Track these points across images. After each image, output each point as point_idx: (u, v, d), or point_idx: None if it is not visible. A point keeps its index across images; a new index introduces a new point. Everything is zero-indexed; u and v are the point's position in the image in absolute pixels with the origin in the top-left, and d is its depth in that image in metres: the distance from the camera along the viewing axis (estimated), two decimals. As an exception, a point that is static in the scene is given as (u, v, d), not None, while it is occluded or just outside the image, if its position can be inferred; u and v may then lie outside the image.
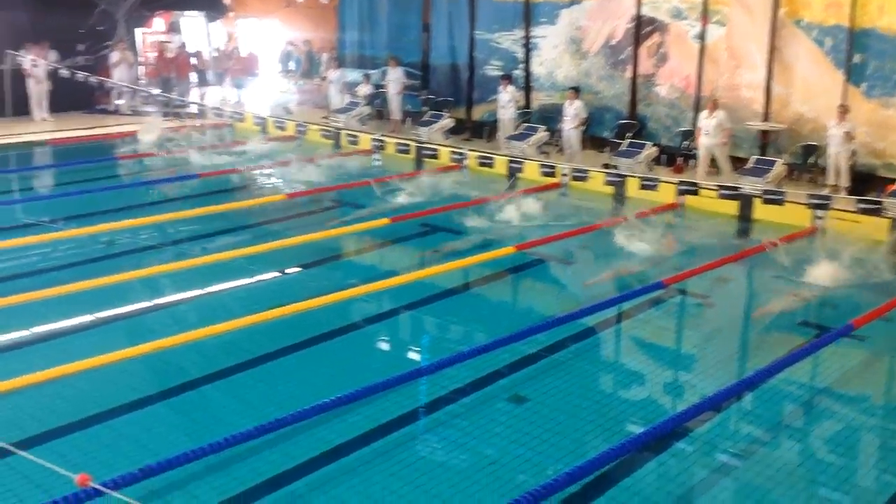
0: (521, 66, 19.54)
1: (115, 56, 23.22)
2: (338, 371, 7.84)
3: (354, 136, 19.22)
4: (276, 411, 6.61)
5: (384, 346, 8.80)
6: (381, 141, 18.52)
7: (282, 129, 20.72)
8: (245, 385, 7.49)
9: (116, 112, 23.45)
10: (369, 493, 5.80)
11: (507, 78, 18.69)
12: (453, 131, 19.68)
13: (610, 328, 9.44)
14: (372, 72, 22.20)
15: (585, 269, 11.53)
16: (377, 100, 21.50)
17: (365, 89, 21.24)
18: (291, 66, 27.37)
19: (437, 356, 7.96)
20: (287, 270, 10.87)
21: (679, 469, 6.38)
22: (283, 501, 5.74)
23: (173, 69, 24.59)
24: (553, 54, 19.15)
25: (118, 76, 23.06)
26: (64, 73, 21.35)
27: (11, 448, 5.84)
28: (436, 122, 19.29)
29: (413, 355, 8.61)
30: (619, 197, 14.63)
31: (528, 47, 19.49)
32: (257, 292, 10.04)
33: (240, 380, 7.56)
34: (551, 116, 18.56)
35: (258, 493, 5.78)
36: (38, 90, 21.38)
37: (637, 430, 6.78)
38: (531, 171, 15.58)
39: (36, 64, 21.22)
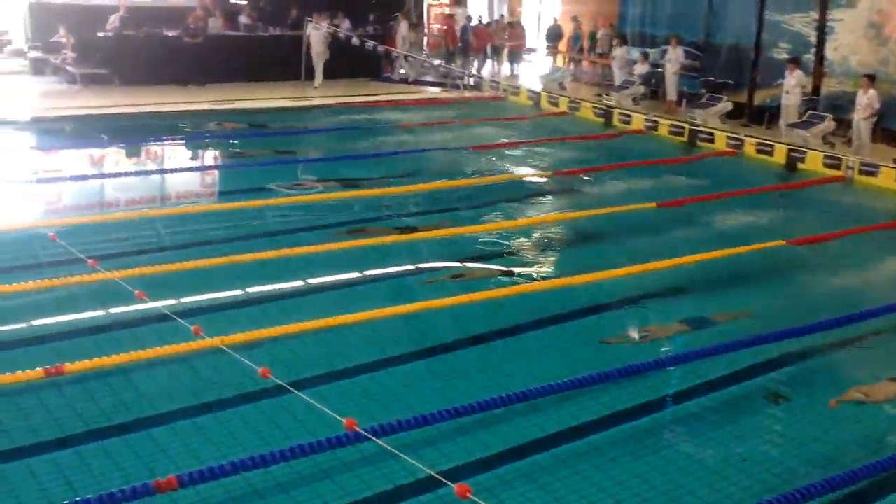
0: (812, 50, 18.47)
1: (402, 27, 24.23)
2: (592, 350, 7.85)
3: (627, 116, 19.01)
4: (528, 381, 6.76)
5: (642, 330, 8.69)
6: (654, 122, 18.21)
7: (555, 104, 20.86)
8: (500, 354, 7.66)
9: (400, 81, 24.50)
10: (613, 474, 5.79)
11: (796, 62, 17.71)
12: (730, 115, 18.99)
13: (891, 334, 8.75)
14: (651, 50, 21.80)
15: (864, 269, 10.77)
16: (653, 79, 21.12)
17: (642, 68, 20.92)
18: (563, 43, 27.38)
19: (696, 345, 7.79)
20: (548, 247, 10.97)
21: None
22: (526, 470, 5.84)
23: (457, 41, 25.32)
24: (849, 39, 17.92)
25: (403, 46, 24.06)
26: (355, 41, 22.59)
27: (288, 387, 6.33)
28: (713, 104, 18.69)
29: (670, 342, 8.43)
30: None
31: (822, 30, 18.38)
32: (519, 265, 10.20)
33: (496, 348, 7.74)
34: (840, 105, 17.42)
35: (502, 460, 5.92)
36: (318, 57, 22.50)
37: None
38: (813, 162, 14.76)
39: (338, 29, 22.51)
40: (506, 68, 25.97)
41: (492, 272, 9.63)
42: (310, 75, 22.44)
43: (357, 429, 5.68)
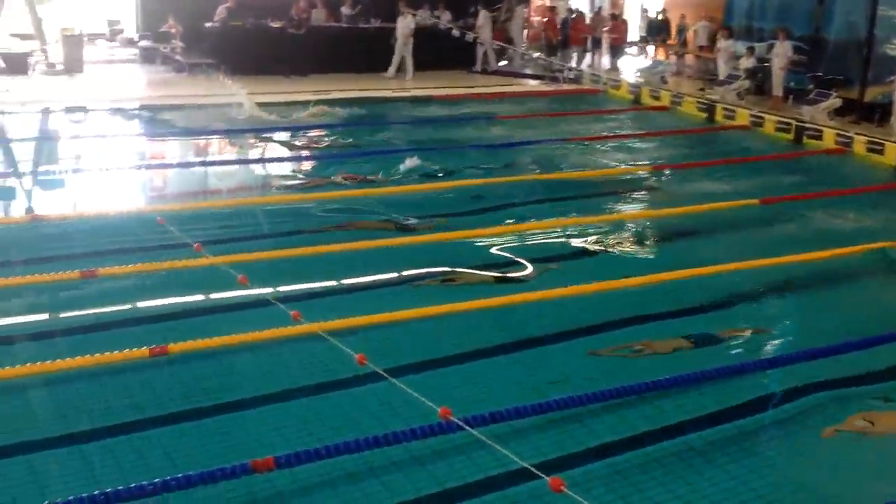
0: (928, 45, 17.77)
1: (480, 17, 24.12)
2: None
3: (731, 111, 18.62)
4: (622, 378, 6.70)
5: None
6: (760, 117, 17.78)
7: (656, 98, 20.56)
8: (594, 348, 7.60)
9: (497, 73, 24.45)
10: (709, 475, 5.68)
11: (910, 58, 17.06)
12: (839, 112, 18.40)
13: None
14: (757, 44, 21.26)
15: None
16: (759, 73, 20.61)
17: (748, 62, 20.43)
18: (666, 35, 26.94)
19: (803, 345, 7.60)
20: (644, 243, 10.83)
21: None
22: (619, 466, 5.77)
23: (558, 33, 25.14)
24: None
25: (487, 36, 24.01)
26: (455, 32, 22.64)
27: (384, 374, 6.40)
28: (822, 100, 18.13)
29: (765, 342, 8.21)
30: None
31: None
32: (613, 260, 10.08)
33: (591, 342, 7.67)
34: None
35: (594, 455, 5.86)
36: (402, 48, 22.51)
37: None
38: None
39: (436, 19, 22.59)
40: (606, 61, 25.69)
41: (586, 266, 9.55)
42: (400, 67, 22.52)
43: (452, 418, 5.71)
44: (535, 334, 7.73)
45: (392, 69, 22.26)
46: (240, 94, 17.10)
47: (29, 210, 10.65)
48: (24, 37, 22.28)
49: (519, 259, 9.69)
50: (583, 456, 5.83)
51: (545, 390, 6.58)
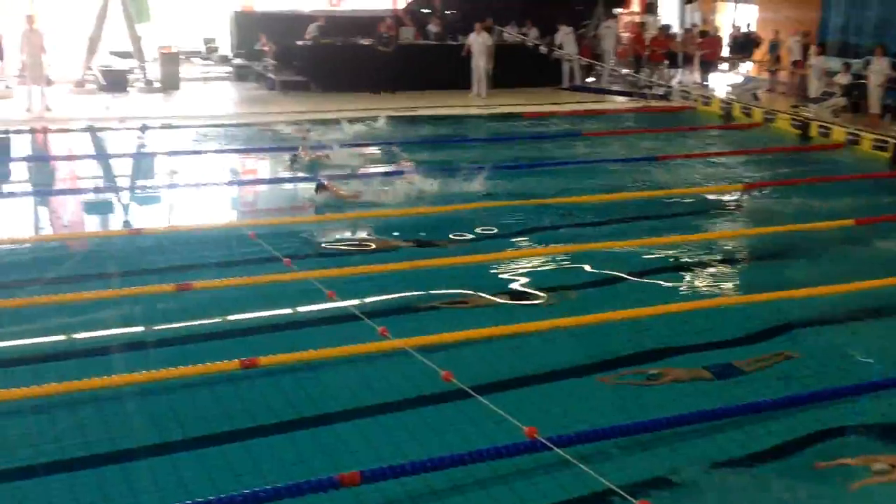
0: None
1: (559, 34, 24.03)
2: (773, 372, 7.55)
3: (826, 128, 18.18)
4: (709, 401, 6.59)
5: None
6: (856, 135, 17.33)
7: (748, 115, 20.20)
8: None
9: (583, 89, 24.33)
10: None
11: None
12: (941, 130, 17.80)
13: None
14: (853, 61, 20.73)
15: None
16: (855, 91, 20.08)
17: (843, 79, 19.93)
18: (758, 52, 26.42)
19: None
20: (734, 262, 10.64)
21: None
22: (706, 489, 5.67)
23: (647, 49, 24.91)
24: None
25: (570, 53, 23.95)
26: (542, 50, 22.63)
27: (470, 391, 6.41)
28: (921, 118, 17.59)
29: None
30: None
31: None
32: (703, 280, 9.93)
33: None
34: None
35: (682, 478, 5.76)
36: (480, 66, 22.41)
37: None
38: None
39: (523, 36, 22.60)
40: (697, 77, 25.35)
41: (676, 286, 9.42)
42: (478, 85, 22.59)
43: (538, 437, 5.69)
44: (624, 353, 7.64)
45: (476, 87, 22.33)
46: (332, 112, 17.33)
47: (126, 224, 10.99)
48: (123, 55, 23.04)
49: (601, 276, 9.63)
50: (671, 478, 5.74)
51: (633, 411, 6.51)
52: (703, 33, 26.11)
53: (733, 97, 22.24)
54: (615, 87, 24.73)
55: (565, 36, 24.04)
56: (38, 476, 5.56)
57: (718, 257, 10.55)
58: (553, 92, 23.67)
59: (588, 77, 25.15)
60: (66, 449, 5.88)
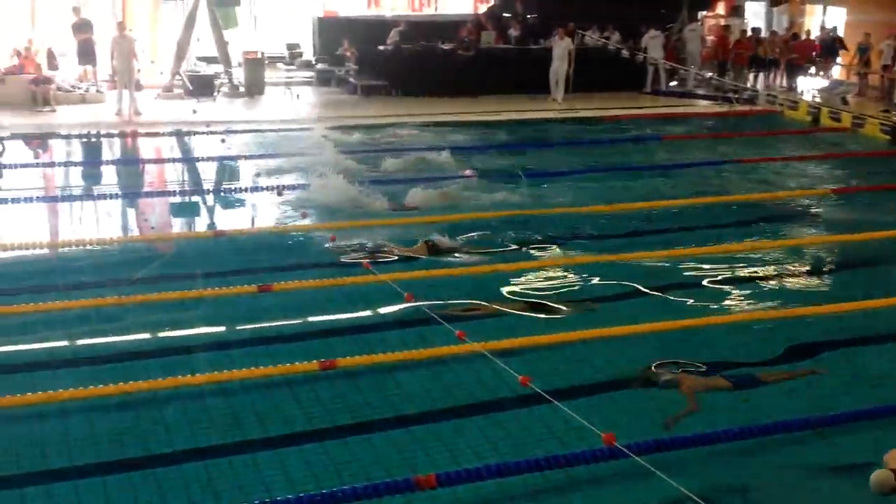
0: None
1: (645, 37, 23.73)
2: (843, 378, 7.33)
3: (918, 133, 17.64)
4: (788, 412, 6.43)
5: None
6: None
7: (836, 119, 19.70)
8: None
9: (667, 93, 24.02)
10: None
11: None
12: None
13: None
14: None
15: None
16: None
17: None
18: (847, 55, 25.68)
19: None
20: (820, 269, 10.39)
21: None
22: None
23: (731, 53, 24.48)
24: None
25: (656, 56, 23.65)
26: (625, 53, 22.42)
27: (547, 396, 6.37)
28: None
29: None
30: None
31: None
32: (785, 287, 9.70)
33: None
34: None
35: (758, 490, 5.64)
36: (558, 70, 22.15)
37: None
38: None
39: (605, 40, 22.41)
40: (784, 81, 24.82)
41: (758, 293, 9.24)
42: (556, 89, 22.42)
43: (616, 444, 5.63)
44: (704, 361, 7.51)
45: (554, 91, 22.17)
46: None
47: (211, 226, 11.21)
48: (209, 60, 23.54)
49: (682, 281, 9.49)
50: (747, 490, 5.63)
51: (714, 420, 6.40)
52: (795, 36, 25.55)
53: (821, 101, 21.70)
54: (699, 91, 24.36)
55: (651, 39, 23.75)
56: (123, 472, 5.69)
57: (804, 264, 10.31)
58: (635, 96, 23.42)
59: (671, 81, 24.81)
60: (150, 445, 6.02)
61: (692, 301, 8.90)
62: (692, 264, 9.96)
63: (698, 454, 5.93)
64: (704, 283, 9.47)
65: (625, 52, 23.07)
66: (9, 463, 5.79)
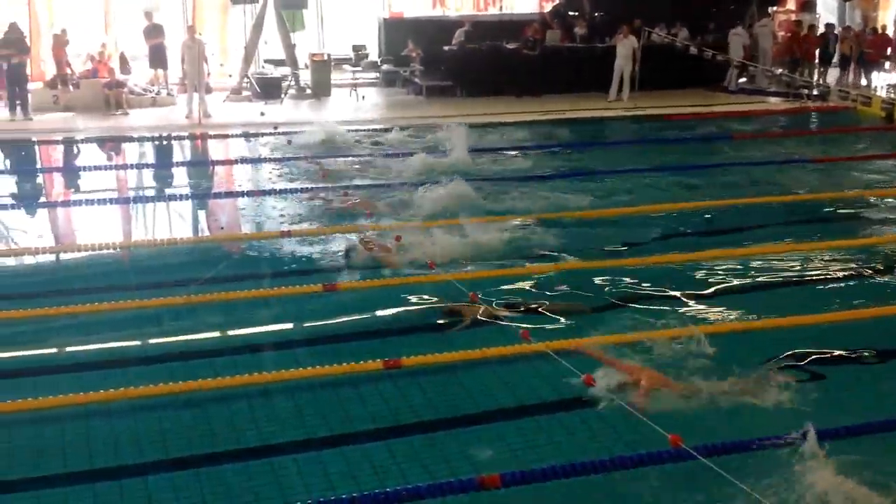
0: None
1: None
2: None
3: None
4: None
5: None
6: None
7: (911, 115, 19.20)
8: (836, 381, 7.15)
9: (738, 91, 23.64)
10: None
11: None
12: None
13: None
14: None
15: None
16: None
17: None
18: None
19: None
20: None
21: None
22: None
23: (803, 49, 24.00)
24: None
25: (737, 54, 23.25)
26: (693, 50, 22.13)
27: (612, 396, 6.34)
28: None
29: None
30: None
31: None
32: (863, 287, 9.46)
33: (836, 373, 7.23)
34: None
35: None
36: (622, 68, 21.94)
37: None
38: None
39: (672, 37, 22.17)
40: (857, 77, 24.26)
41: (829, 291, 9.04)
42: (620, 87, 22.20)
43: (682, 445, 5.55)
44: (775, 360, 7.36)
45: (614, 91, 21.96)
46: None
47: (278, 226, 11.30)
48: (277, 63, 23.85)
49: (755, 280, 9.32)
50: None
51: (787, 422, 6.25)
52: (874, 31, 24.96)
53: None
54: (770, 88, 23.94)
55: (735, 36, 23.38)
56: (190, 468, 5.79)
57: (876, 264, 10.05)
58: (703, 93, 23.11)
59: (741, 78, 24.42)
60: (218, 442, 6.11)
61: (766, 301, 8.74)
62: (762, 264, 9.78)
63: (769, 457, 5.82)
64: (776, 281, 9.29)
65: (692, 50, 22.73)
66: (82, 459, 5.93)
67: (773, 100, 22.76)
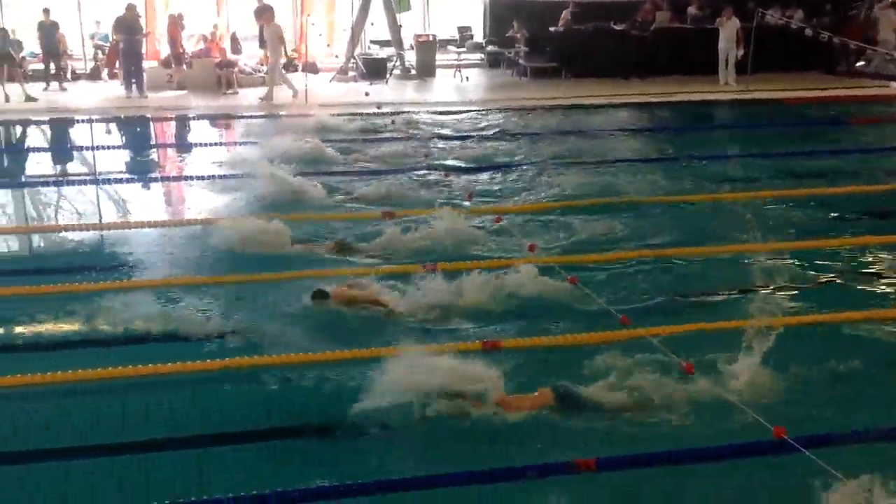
0: None
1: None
2: None
3: None
4: None
5: None
6: None
7: None
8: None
9: (855, 74, 22.84)
10: None
11: None
12: None
13: None
14: None
15: None
16: None
17: None
18: None
19: None
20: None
21: None
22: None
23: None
24: None
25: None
26: (808, 32, 21.45)
27: (714, 385, 6.25)
28: None
29: None
30: None
31: None
32: None
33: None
34: None
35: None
36: (727, 51, 21.42)
37: None
38: None
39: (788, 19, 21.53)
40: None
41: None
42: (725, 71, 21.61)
43: (786, 437, 5.42)
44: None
45: (722, 75, 21.39)
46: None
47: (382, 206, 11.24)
48: (382, 44, 24.04)
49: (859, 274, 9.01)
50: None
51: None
52: None
53: None
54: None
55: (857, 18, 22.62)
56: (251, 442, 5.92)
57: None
58: (818, 77, 22.38)
59: (858, 62, 23.56)
60: (299, 414, 6.21)
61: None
62: (870, 255, 9.45)
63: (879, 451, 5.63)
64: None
65: (808, 32, 22.02)
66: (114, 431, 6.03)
67: (893, 84, 21.91)
